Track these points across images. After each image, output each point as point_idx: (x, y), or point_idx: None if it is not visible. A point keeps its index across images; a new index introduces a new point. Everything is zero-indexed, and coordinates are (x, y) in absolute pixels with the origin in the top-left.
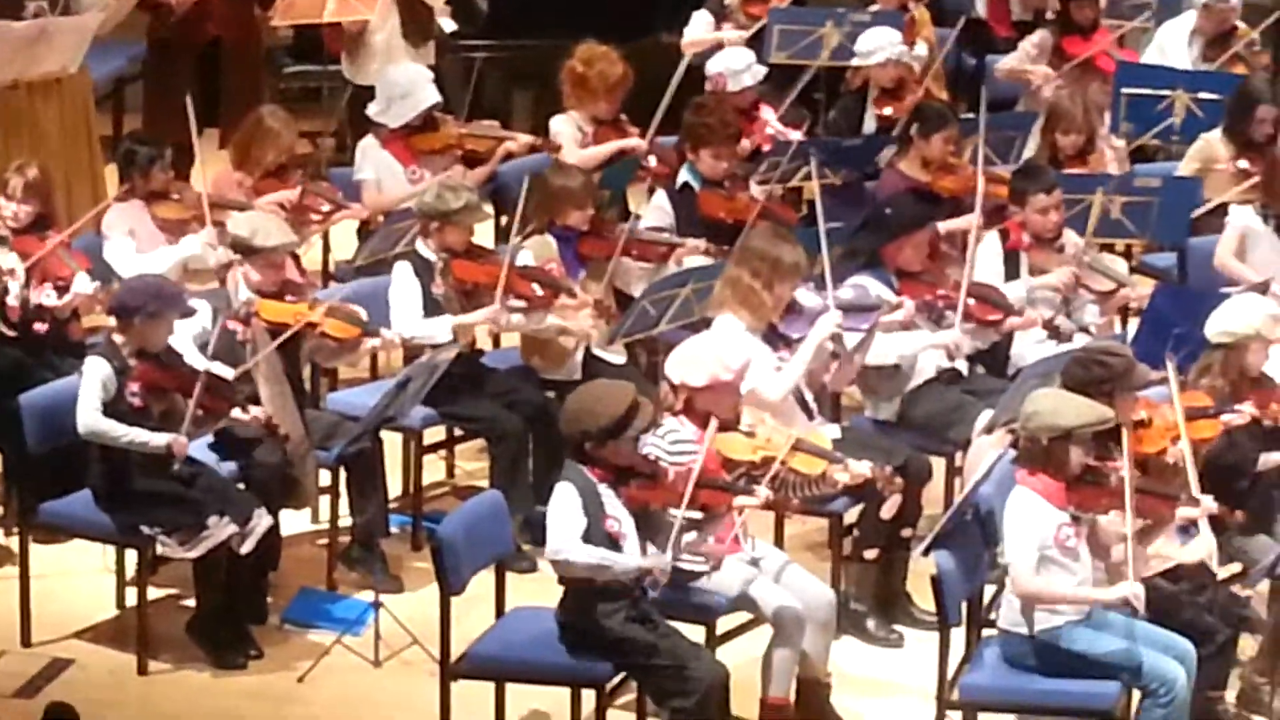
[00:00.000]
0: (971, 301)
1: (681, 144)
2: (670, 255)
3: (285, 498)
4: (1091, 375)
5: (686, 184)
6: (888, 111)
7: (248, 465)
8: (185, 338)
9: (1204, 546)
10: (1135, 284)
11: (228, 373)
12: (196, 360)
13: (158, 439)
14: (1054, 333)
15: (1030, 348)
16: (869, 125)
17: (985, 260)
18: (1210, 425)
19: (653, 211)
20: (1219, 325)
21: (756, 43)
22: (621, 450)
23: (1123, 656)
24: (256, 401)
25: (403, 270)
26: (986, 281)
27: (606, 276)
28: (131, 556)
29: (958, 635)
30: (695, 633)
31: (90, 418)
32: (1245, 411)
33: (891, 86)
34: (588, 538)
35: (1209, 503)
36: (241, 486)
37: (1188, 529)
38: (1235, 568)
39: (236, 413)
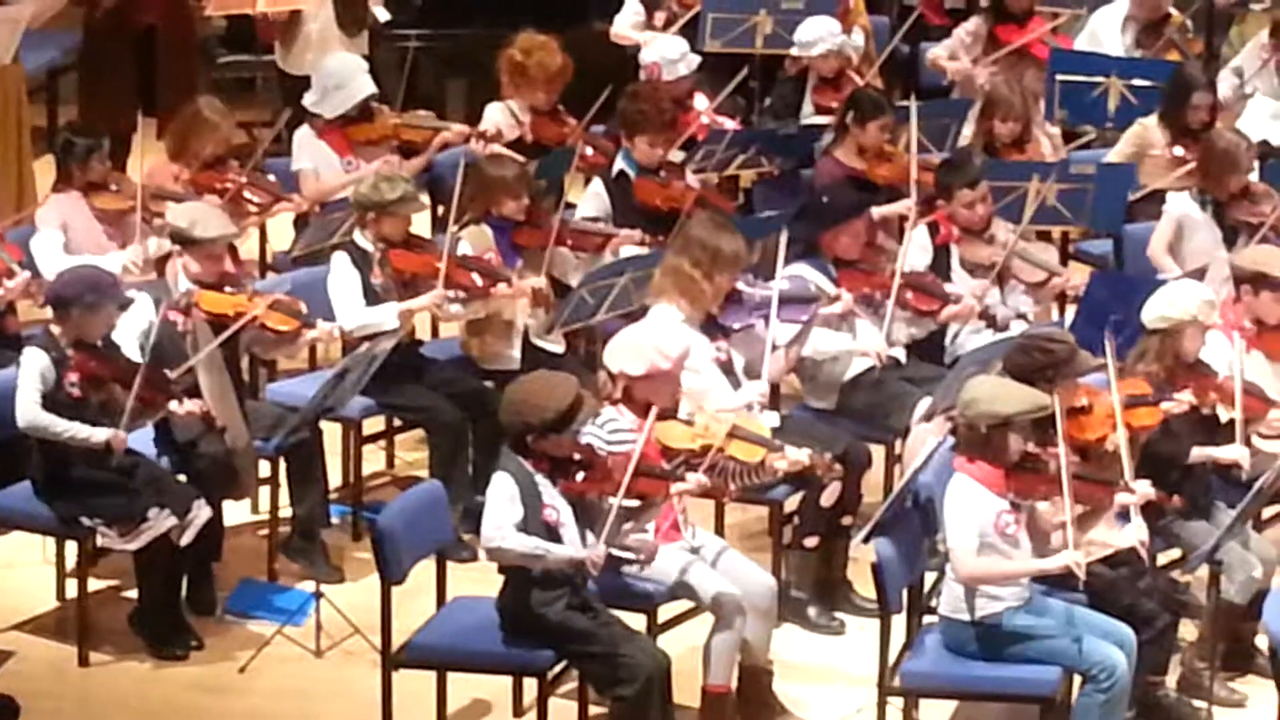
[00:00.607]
0: (910, 293)
1: (617, 132)
2: (606, 245)
3: (227, 488)
4: (1034, 361)
5: (622, 172)
6: (829, 103)
7: (189, 456)
8: (129, 334)
9: (1135, 532)
10: (1066, 273)
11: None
12: (135, 353)
13: (98, 434)
14: (990, 321)
15: (968, 335)
16: (806, 113)
17: (912, 253)
18: (1149, 412)
19: (589, 199)
20: (1155, 311)
21: (690, 31)
22: (562, 442)
23: (1063, 642)
24: (195, 393)
25: (341, 261)
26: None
27: (544, 266)
28: (72, 548)
29: (898, 622)
30: (636, 621)
31: (29, 411)
32: (1183, 400)
33: (831, 76)
34: (525, 528)
35: (1146, 489)
36: (183, 478)
37: (1126, 515)
38: (1174, 554)
39: (174, 405)
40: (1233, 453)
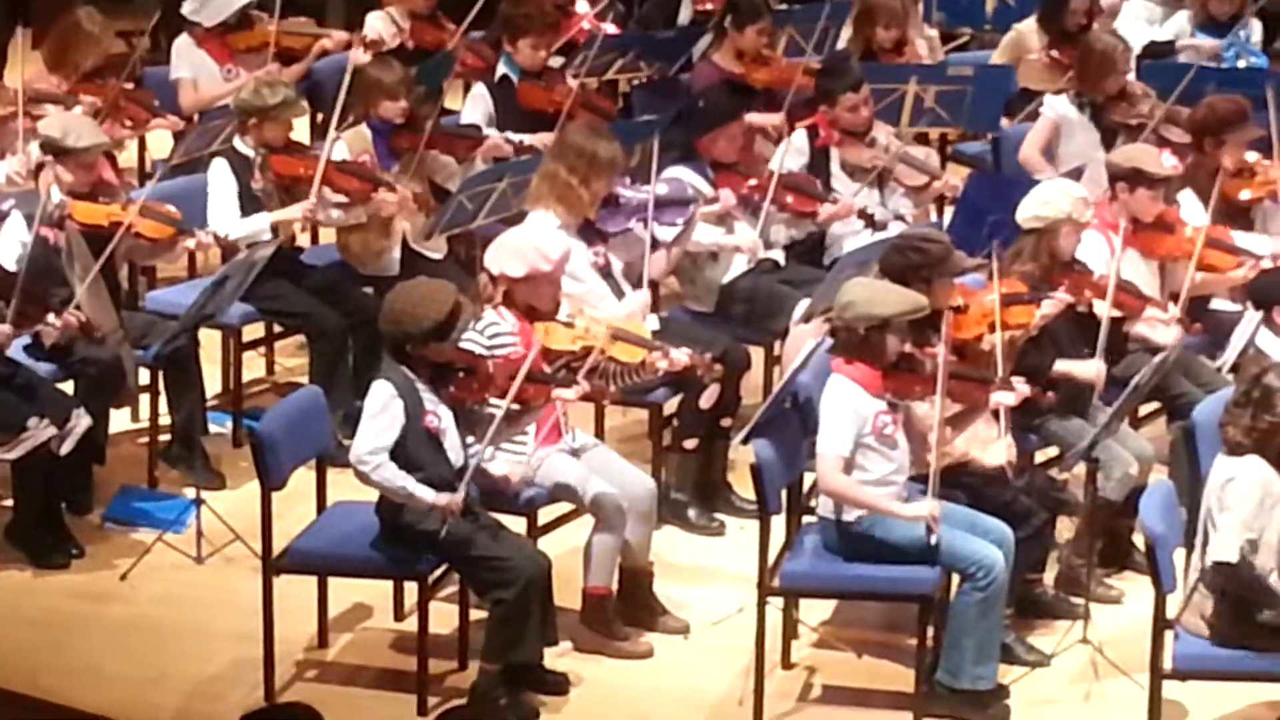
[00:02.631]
0: (788, 195)
1: (496, 37)
2: (477, 149)
3: (110, 395)
4: (909, 261)
5: (505, 76)
6: (707, 6)
7: (70, 364)
8: (4, 247)
9: (1002, 451)
10: (946, 176)
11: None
12: (10, 265)
13: None
14: (869, 221)
15: (846, 237)
16: (684, 18)
17: (789, 157)
18: (1025, 311)
19: (473, 103)
20: (1029, 210)
21: None
22: (443, 350)
23: (939, 541)
24: (67, 304)
25: (219, 168)
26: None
27: (422, 170)
28: None
29: (778, 523)
30: (516, 524)
31: None
32: (1060, 298)
33: None
34: (405, 436)
35: (1022, 386)
36: (69, 386)
37: (999, 414)
38: (1052, 451)
39: (51, 319)
40: (1089, 370)
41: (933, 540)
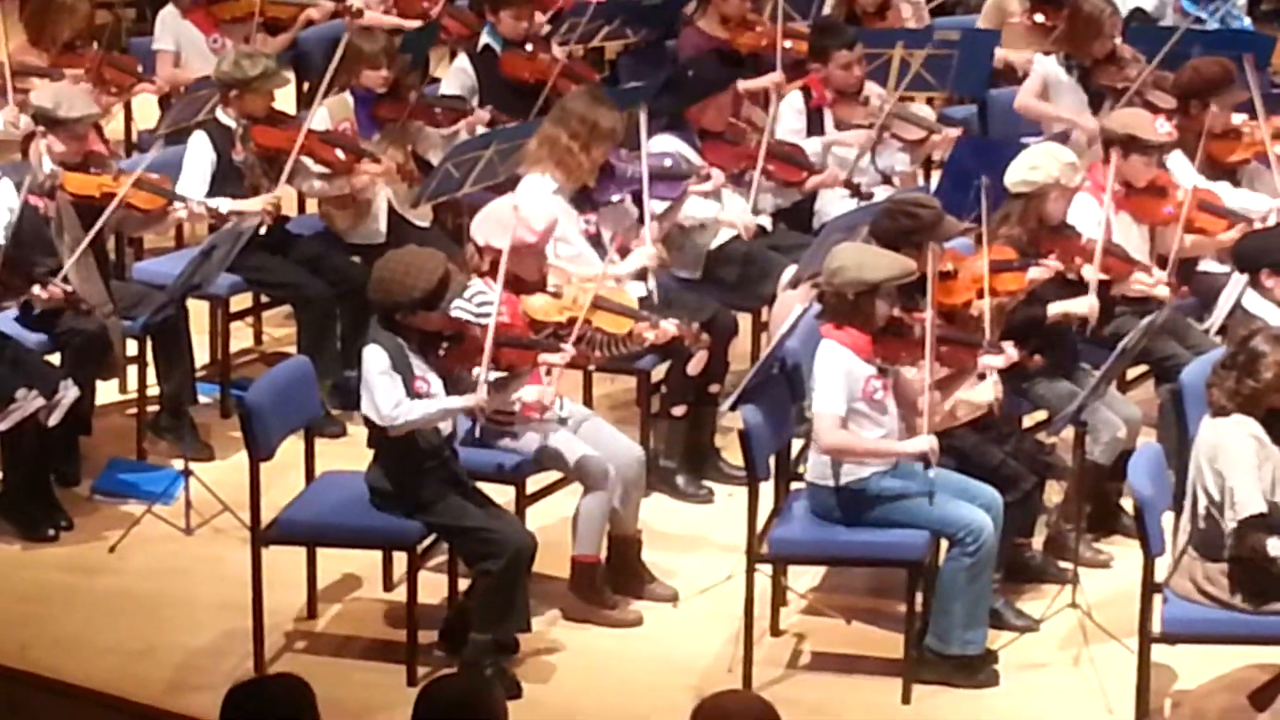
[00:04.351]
0: (774, 164)
1: (481, 6)
2: (458, 121)
3: (98, 367)
4: (900, 226)
5: (488, 46)
6: None
7: (59, 335)
8: None
9: (989, 389)
10: (946, 129)
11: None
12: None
13: None
14: (855, 191)
15: (833, 203)
16: None
17: (787, 117)
18: (1015, 278)
19: (454, 75)
20: (1017, 174)
21: None
22: (431, 318)
23: (928, 506)
24: (55, 275)
25: (198, 140)
26: (789, 140)
27: (404, 140)
28: None
29: (766, 489)
30: (505, 493)
31: None
32: (1050, 265)
33: None
34: None
35: (1010, 349)
36: (55, 357)
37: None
38: (1039, 415)
39: (36, 290)
40: (1082, 306)
41: (931, 474)
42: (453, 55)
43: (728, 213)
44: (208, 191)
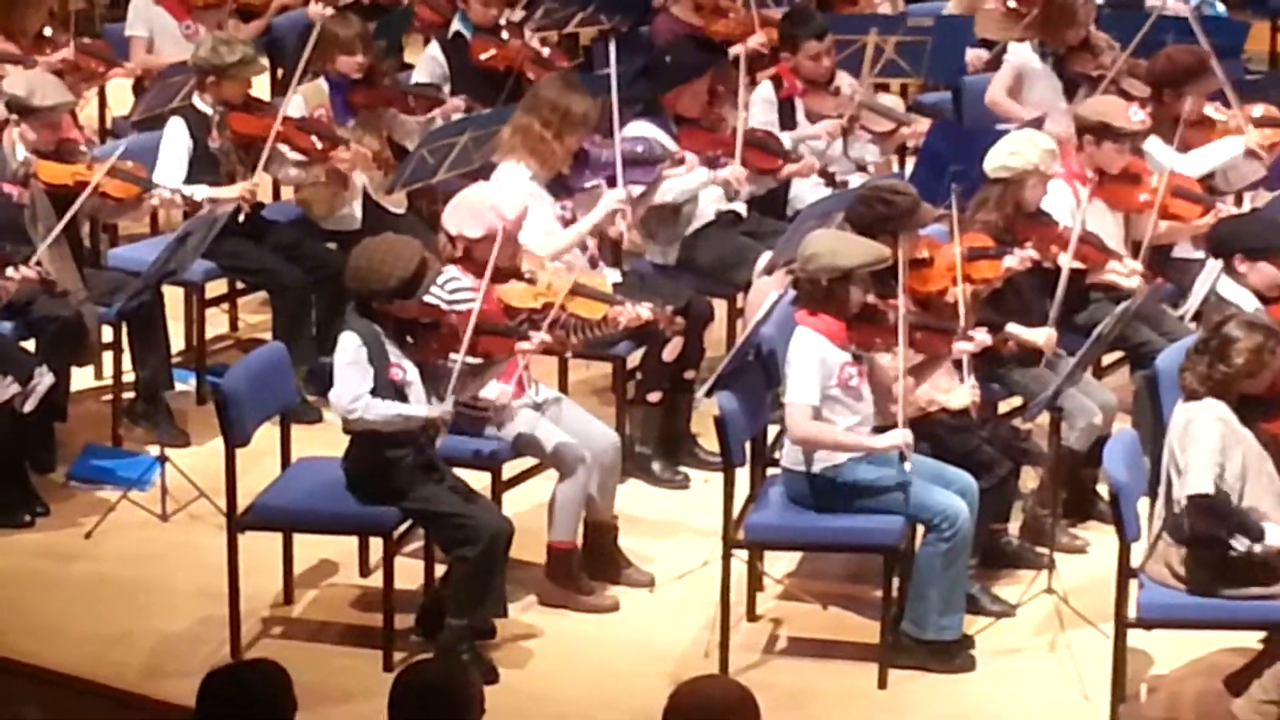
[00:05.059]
0: (749, 152)
1: None
2: (433, 108)
3: (73, 353)
4: (876, 213)
5: (459, 33)
6: None
7: (34, 321)
8: None
9: (966, 394)
10: (914, 122)
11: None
12: None
13: None
14: (829, 179)
15: (808, 190)
16: None
17: (758, 107)
18: (991, 266)
19: (425, 62)
20: (997, 160)
21: None
22: (407, 306)
23: (904, 492)
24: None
25: (175, 126)
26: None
27: (379, 127)
28: None
29: (742, 475)
30: (481, 479)
31: None
32: (1025, 254)
33: None
34: (374, 389)
35: (983, 336)
36: (30, 344)
37: (962, 364)
38: (1015, 401)
39: (10, 272)
40: (1037, 337)
41: (907, 467)
42: (426, 41)
43: (713, 173)
44: (184, 178)
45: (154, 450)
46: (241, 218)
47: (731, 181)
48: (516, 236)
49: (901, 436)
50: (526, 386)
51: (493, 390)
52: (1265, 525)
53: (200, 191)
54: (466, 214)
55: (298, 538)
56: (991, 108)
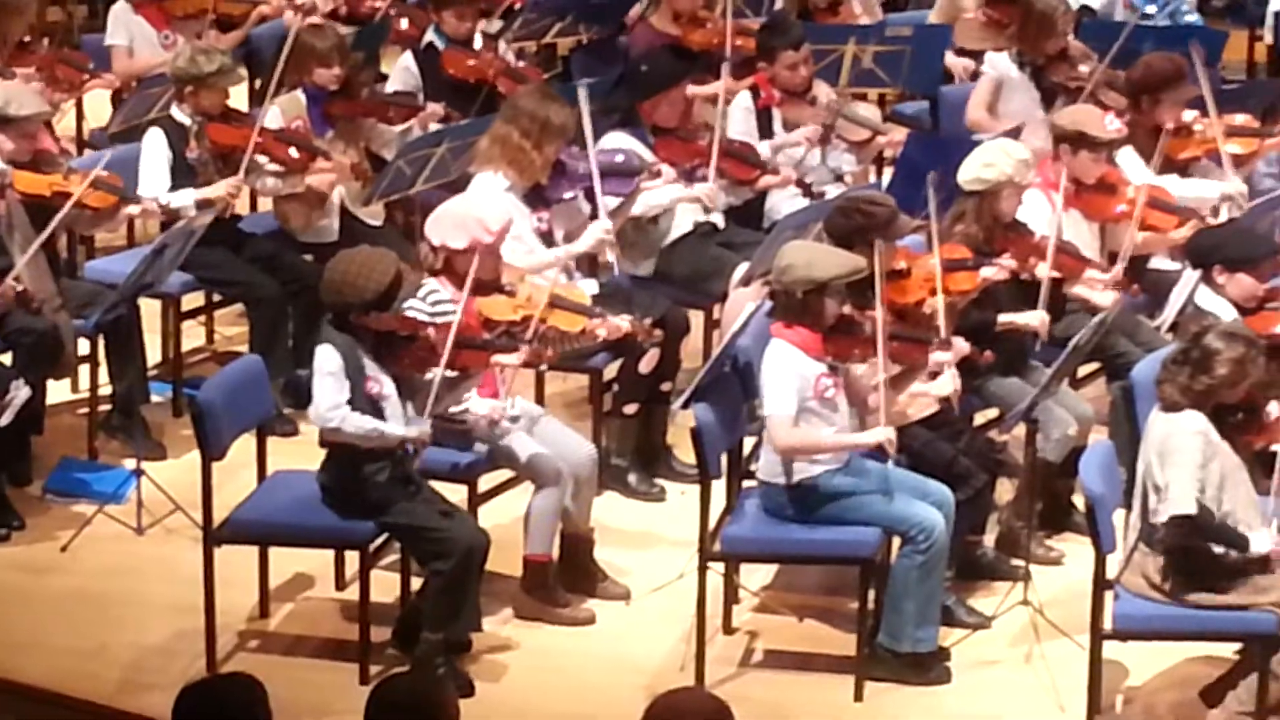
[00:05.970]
0: (726, 162)
1: (426, 4)
2: (411, 117)
3: (50, 366)
4: (854, 224)
5: (431, 44)
6: None
7: (13, 333)
8: None
9: (948, 382)
10: (890, 131)
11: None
12: None
13: None
14: (806, 190)
15: (785, 201)
16: None
17: (736, 117)
18: (968, 277)
19: (398, 73)
20: (971, 172)
21: None
22: (384, 319)
23: (881, 504)
24: (5, 274)
25: (154, 137)
26: (740, 139)
27: (357, 138)
28: None
29: (719, 487)
30: (457, 491)
31: None
32: (1003, 265)
33: None
34: (351, 402)
35: (961, 345)
36: (7, 357)
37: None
38: (991, 413)
39: None
40: (1032, 319)
41: (890, 464)
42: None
43: (691, 190)
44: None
45: (130, 463)
46: (227, 215)
47: (703, 199)
48: (499, 249)
49: (885, 433)
50: (504, 399)
51: (483, 405)
52: (1248, 534)
53: (187, 195)
54: (450, 225)
55: (274, 551)
56: (972, 126)
